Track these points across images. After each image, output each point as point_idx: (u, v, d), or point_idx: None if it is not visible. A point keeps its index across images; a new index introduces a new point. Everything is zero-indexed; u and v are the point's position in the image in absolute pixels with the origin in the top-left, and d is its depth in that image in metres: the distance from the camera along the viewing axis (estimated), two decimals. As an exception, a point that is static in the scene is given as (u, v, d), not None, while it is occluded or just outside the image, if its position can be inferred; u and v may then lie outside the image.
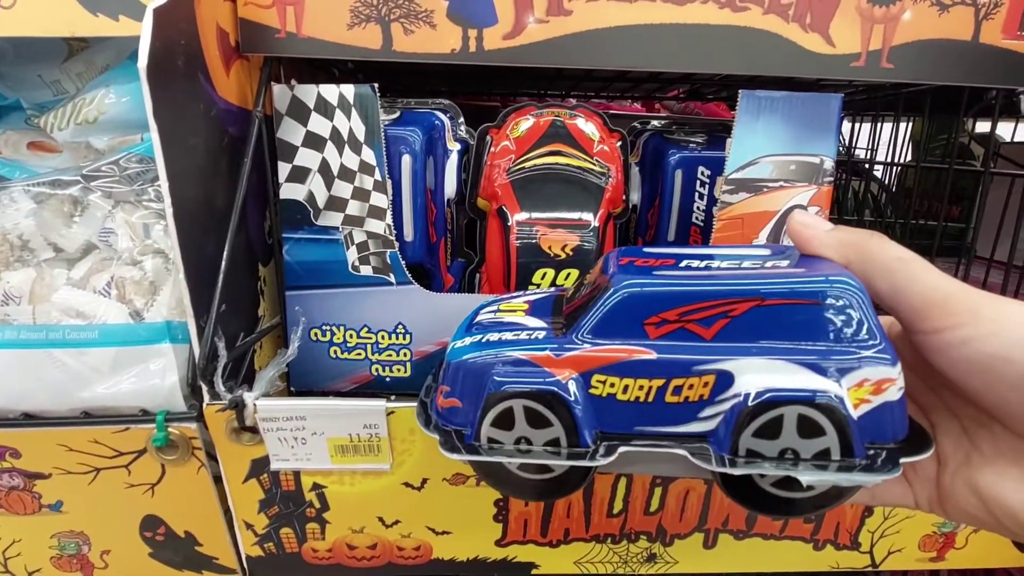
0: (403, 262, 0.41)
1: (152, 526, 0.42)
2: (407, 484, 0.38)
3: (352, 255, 0.41)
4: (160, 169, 0.32)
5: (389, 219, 0.40)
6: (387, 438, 0.36)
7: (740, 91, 0.38)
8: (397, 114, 0.45)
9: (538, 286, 0.42)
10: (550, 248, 0.42)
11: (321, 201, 0.40)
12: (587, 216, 0.43)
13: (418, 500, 0.39)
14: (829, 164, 0.39)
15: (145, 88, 0.31)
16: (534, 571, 0.42)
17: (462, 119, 0.50)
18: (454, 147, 0.48)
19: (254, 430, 0.36)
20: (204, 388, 0.36)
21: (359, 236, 0.41)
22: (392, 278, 0.41)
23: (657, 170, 0.47)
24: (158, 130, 0.32)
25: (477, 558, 0.41)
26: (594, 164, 0.45)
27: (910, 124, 0.96)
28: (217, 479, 0.39)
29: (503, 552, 0.41)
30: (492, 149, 0.46)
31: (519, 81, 0.68)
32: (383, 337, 0.42)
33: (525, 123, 0.47)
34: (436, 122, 0.46)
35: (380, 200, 0.40)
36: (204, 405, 0.35)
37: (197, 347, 0.36)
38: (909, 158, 0.91)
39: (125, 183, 0.38)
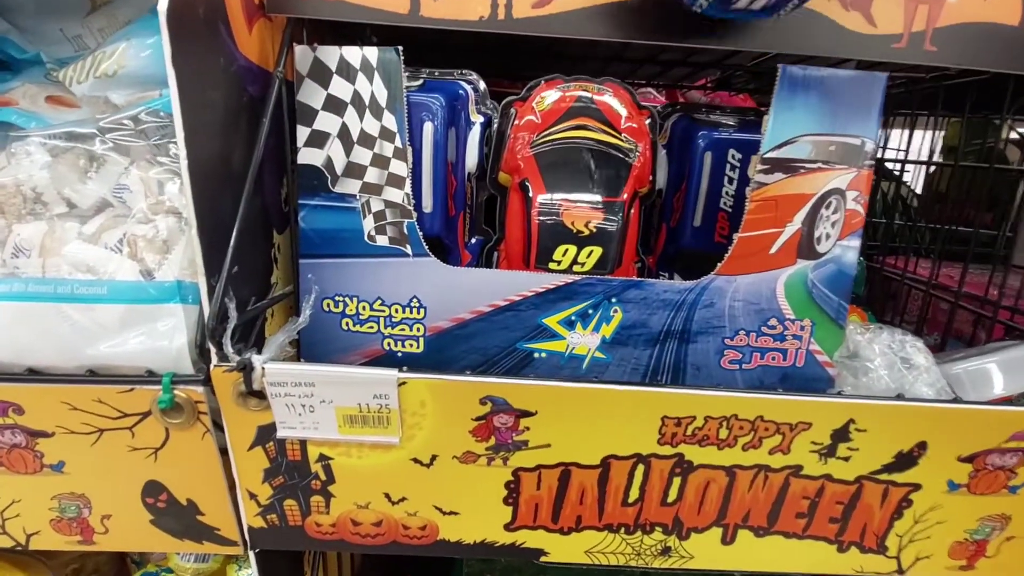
0: (420, 232, 0.40)
1: (154, 492, 0.41)
2: (416, 460, 0.37)
3: (369, 224, 0.40)
4: (176, 119, 0.31)
5: (408, 188, 0.39)
6: (397, 410, 0.34)
7: (779, 65, 0.36)
8: (420, 81, 0.44)
9: (559, 263, 0.41)
10: (573, 224, 0.40)
11: (339, 167, 0.39)
12: (612, 192, 0.42)
13: (426, 477, 0.37)
14: (870, 146, 0.38)
15: (164, 33, 0.30)
16: (543, 558, 0.41)
17: (486, 89, 0.48)
18: (477, 119, 0.46)
19: (261, 395, 0.34)
20: (212, 350, 0.35)
21: (376, 204, 0.39)
22: (409, 249, 0.40)
23: (685, 152, 0.45)
24: (176, 78, 0.31)
25: (484, 541, 0.40)
26: (622, 140, 0.44)
27: (941, 131, 0.93)
28: (222, 448, 0.38)
29: (511, 537, 0.40)
30: (516, 122, 0.45)
31: (545, 61, 0.67)
32: (396, 311, 0.41)
33: (551, 96, 0.45)
34: (460, 91, 0.45)
35: (400, 168, 0.39)
36: (211, 367, 0.34)
37: (208, 306, 0.35)
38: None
39: (141, 138, 0.37)
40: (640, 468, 0.37)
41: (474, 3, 0.40)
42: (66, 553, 0.57)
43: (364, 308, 0.41)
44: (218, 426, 0.37)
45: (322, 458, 0.37)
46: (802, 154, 0.37)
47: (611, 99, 0.45)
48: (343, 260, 0.40)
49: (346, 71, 0.38)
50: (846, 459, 0.37)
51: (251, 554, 0.42)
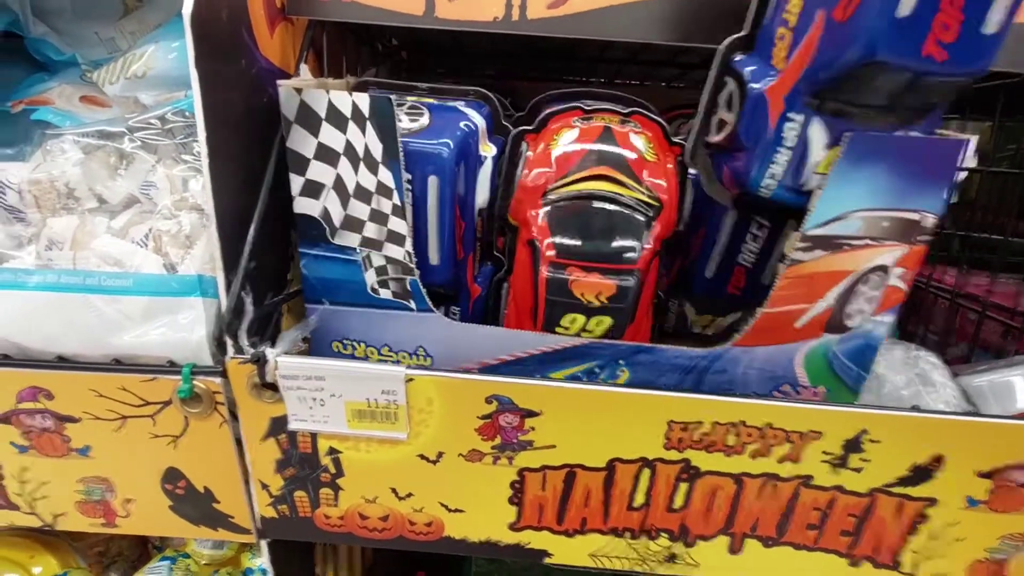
0: (424, 290, 0.38)
1: (173, 479, 0.42)
2: (423, 456, 0.37)
3: (371, 277, 0.38)
4: (198, 118, 0.32)
5: (409, 246, 0.37)
6: (405, 406, 0.35)
7: (847, 134, 0.30)
8: (424, 119, 0.39)
9: (566, 328, 0.38)
10: (583, 295, 0.37)
11: (337, 219, 0.37)
12: (628, 257, 0.37)
13: (433, 474, 0.38)
14: (931, 221, 0.32)
15: (188, 36, 0.31)
16: (547, 559, 0.41)
17: (499, 109, 0.43)
18: (488, 152, 0.41)
19: (274, 387, 0.35)
20: (229, 343, 0.36)
21: (378, 259, 0.37)
22: (412, 304, 0.38)
23: (706, 199, 0.39)
24: (199, 80, 0.32)
25: (489, 540, 0.40)
26: (644, 194, 0.38)
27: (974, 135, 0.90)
28: (238, 438, 0.39)
29: (516, 537, 0.40)
30: (528, 157, 0.39)
31: (562, 63, 0.67)
32: (404, 357, 0.40)
33: (568, 134, 0.39)
34: (469, 128, 0.40)
35: (399, 226, 0.36)
36: (227, 359, 0.35)
37: (225, 299, 0.36)
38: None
39: (168, 137, 0.39)
40: (646, 472, 0.37)
41: (488, 4, 0.41)
42: (92, 536, 0.59)
43: (372, 353, 0.41)
44: (235, 416, 0.38)
45: (332, 451, 0.38)
46: (850, 230, 0.32)
47: (636, 139, 0.39)
48: (348, 308, 0.39)
49: (336, 119, 0.35)
50: (858, 471, 0.36)
51: (263, 543, 0.43)
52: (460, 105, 0.42)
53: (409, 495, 0.39)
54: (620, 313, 0.37)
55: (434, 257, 0.40)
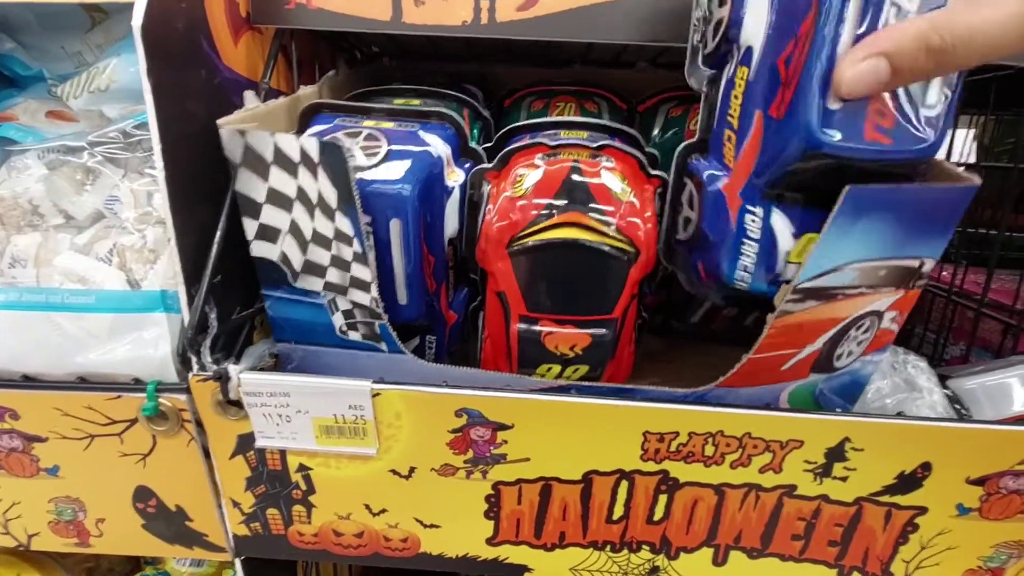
0: (394, 332, 0.35)
1: (144, 497, 0.41)
2: (394, 471, 0.36)
3: (339, 320, 0.36)
4: (153, 131, 0.32)
5: (375, 292, 0.34)
6: (373, 421, 0.34)
7: (846, 187, 0.27)
8: (382, 151, 0.35)
9: (542, 376, 0.37)
10: (556, 348, 0.36)
11: (297, 264, 0.34)
12: (604, 309, 0.35)
13: (406, 489, 0.37)
14: (929, 266, 0.31)
15: (139, 48, 0.30)
16: (527, 574, 0.40)
17: (464, 135, 0.40)
18: (455, 180, 0.38)
19: (240, 404, 0.34)
20: (193, 359, 0.35)
21: (344, 303, 0.35)
22: (383, 347, 0.36)
23: None
24: (152, 92, 0.31)
25: (467, 556, 0.39)
26: (617, 239, 0.34)
27: (971, 128, 0.88)
28: (208, 454, 0.39)
29: (494, 552, 0.39)
30: (490, 207, 0.36)
31: (538, 64, 0.66)
32: None
33: (532, 175, 0.36)
34: (431, 158, 0.36)
35: (362, 272, 0.33)
36: (190, 376, 0.34)
37: (188, 315, 0.35)
38: (972, 161, 0.83)
39: (131, 151, 0.38)
40: (624, 484, 0.36)
41: (457, 8, 0.40)
42: (79, 552, 0.58)
43: None
44: (203, 434, 0.38)
45: (302, 468, 0.37)
46: (845, 281, 0.30)
47: (608, 176, 0.35)
48: (318, 348, 0.37)
49: (284, 163, 0.32)
50: (843, 479, 0.35)
51: (237, 562, 0.42)
52: (421, 132, 0.38)
53: (383, 511, 0.38)
54: (597, 361, 0.36)
55: (402, 297, 0.37)
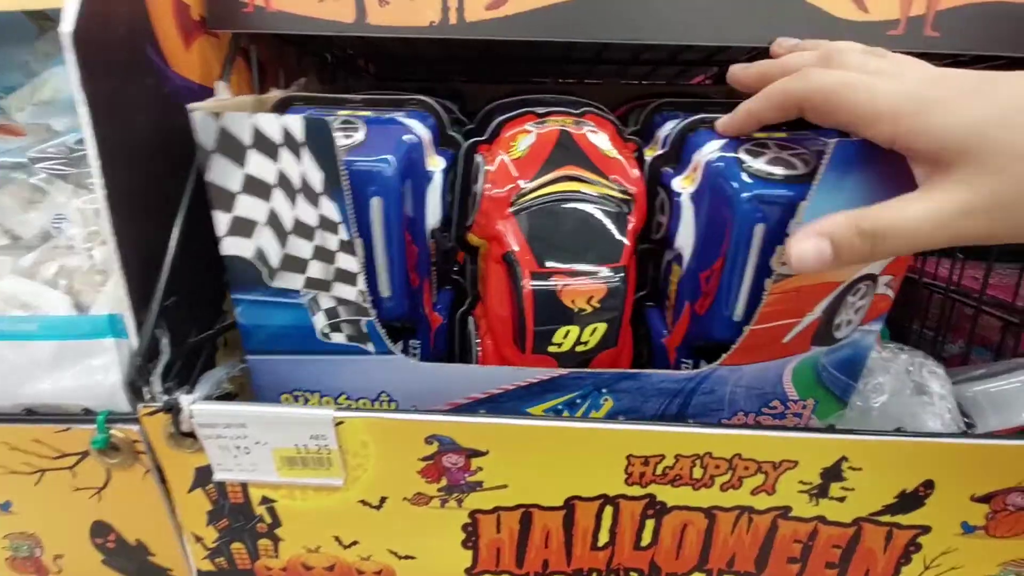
0: (382, 330, 0.33)
1: (102, 532, 0.39)
2: (364, 502, 0.34)
3: (320, 321, 0.33)
4: (89, 146, 0.29)
5: (362, 284, 0.32)
6: (338, 451, 0.32)
7: (834, 140, 0.28)
8: (361, 134, 0.34)
9: (559, 345, 0.34)
10: (573, 303, 0.34)
11: (275, 260, 0.32)
12: (612, 257, 0.34)
13: (377, 520, 0.35)
14: None
15: (70, 57, 0.28)
16: (509, 605, 0.37)
17: (445, 119, 0.40)
18: (437, 167, 0.37)
19: (195, 435, 0.32)
20: (145, 388, 0.33)
21: (327, 301, 0.33)
22: (370, 347, 0.34)
23: (723, 214, 0.33)
24: (87, 102, 0.29)
25: (446, 587, 0.37)
26: (613, 189, 0.36)
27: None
28: (166, 487, 0.36)
29: (475, 582, 0.37)
30: (487, 170, 0.36)
31: (519, 67, 0.64)
32: (364, 404, 0.36)
33: (525, 139, 0.37)
34: (412, 140, 0.35)
35: (349, 263, 0.32)
36: (139, 407, 0.32)
37: (136, 340, 0.33)
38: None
39: (73, 165, 0.36)
40: (608, 509, 0.34)
41: (423, 8, 0.38)
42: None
43: (328, 403, 0.36)
44: (159, 466, 0.35)
45: (265, 500, 0.35)
46: None
47: (594, 136, 0.37)
48: (296, 357, 0.34)
49: (265, 146, 0.30)
50: (841, 499, 0.33)
51: (203, 598, 0.40)
52: (400, 116, 0.38)
53: (355, 543, 0.36)
54: (613, 317, 0.34)
55: (385, 289, 0.35)
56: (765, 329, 0.32)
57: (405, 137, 0.35)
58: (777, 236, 0.31)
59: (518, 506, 0.34)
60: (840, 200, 0.28)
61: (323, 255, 0.32)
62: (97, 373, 0.34)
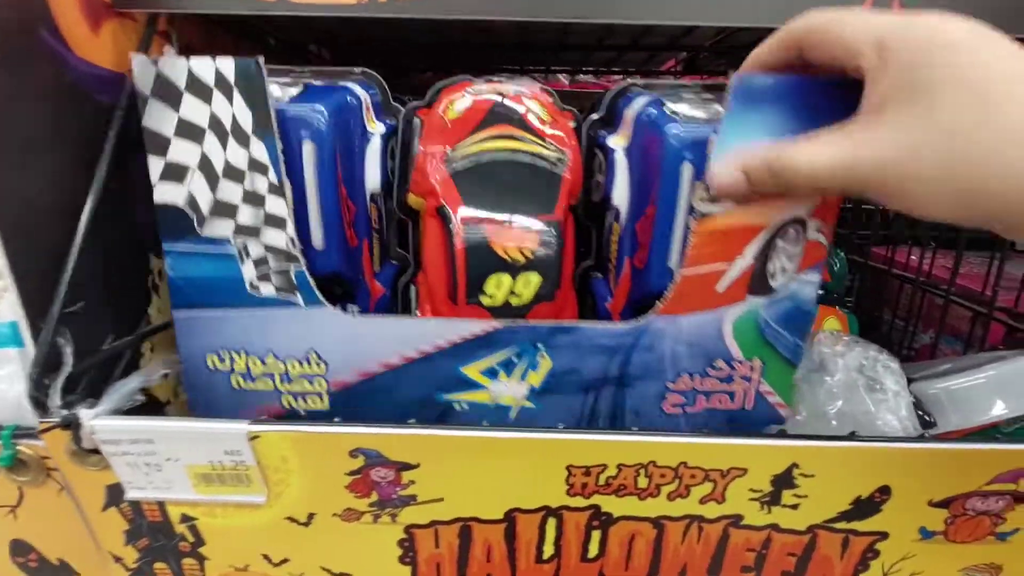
0: (311, 279, 0.33)
1: (22, 551, 0.37)
2: (291, 519, 0.32)
3: (249, 272, 0.33)
4: (-34, 139, 0.27)
5: (291, 230, 0.32)
6: (256, 467, 0.30)
7: (732, 75, 0.28)
8: (300, 88, 0.37)
9: (492, 296, 0.34)
10: (505, 252, 0.34)
11: (205, 206, 0.32)
12: (545, 210, 0.35)
13: (307, 537, 0.33)
14: None
15: (-63, 38, 0.25)
16: (454, 621, 0.36)
17: (385, 93, 0.41)
18: (376, 129, 0.39)
19: (100, 452, 0.30)
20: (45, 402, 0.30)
21: (256, 250, 0.32)
22: (299, 298, 0.33)
23: (652, 157, 0.34)
24: (-39, 91, 0.26)
25: (386, 604, 0.35)
26: (548, 148, 0.37)
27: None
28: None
29: (416, 598, 0.35)
30: (423, 134, 0.38)
31: (476, 54, 0.61)
32: (293, 366, 0.34)
33: (461, 101, 0.38)
34: (349, 98, 0.37)
35: (278, 206, 0.32)
36: (39, 422, 0.30)
37: (33, 351, 0.30)
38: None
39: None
40: (552, 521, 0.32)
41: (351, -14, 0.35)
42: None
43: (255, 364, 0.34)
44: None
45: (185, 519, 0.32)
46: None
47: (530, 101, 0.39)
48: (224, 312, 0.33)
49: (198, 89, 0.30)
50: (794, 507, 0.31)
51: (129, 620, 0.37)
52: (342, 82, 0.38)
53: (285, 561, 0.34)
54: (547, 267, 0.34)
55: (318, 240, 0.35)
56: (697, 275, 0.31)
57: (344, 95, 0.36)
58: (701, 175, 0.30)
59: (456, 520, 0.32)
60: (748, 133, 0.28)
61: (253, 199, 0.32)
62: (1, 384, 0.32)
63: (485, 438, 0.29)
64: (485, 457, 0.29)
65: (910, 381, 0.39)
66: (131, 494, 0.31)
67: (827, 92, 0.27)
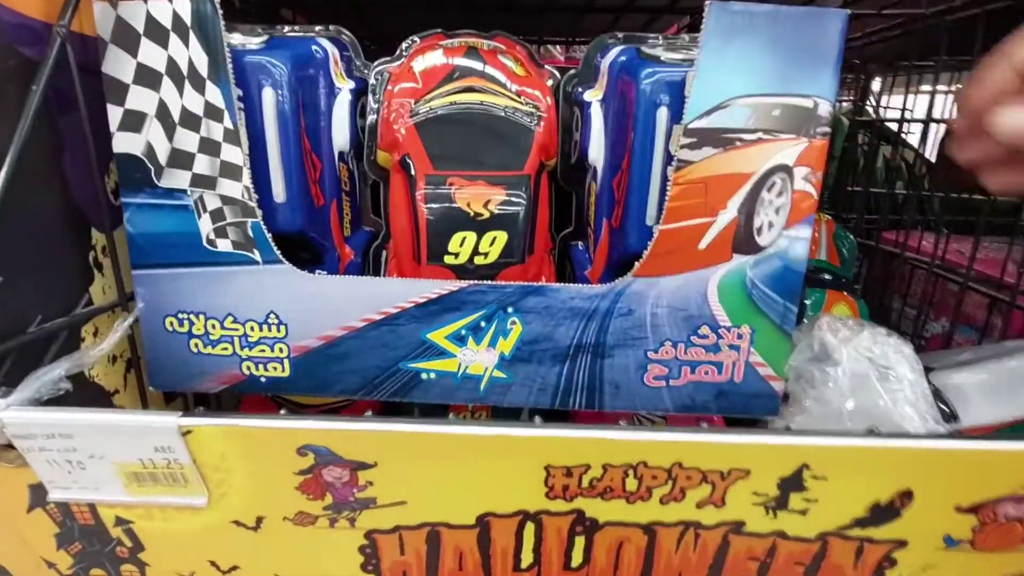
0: (269, 234, 0.31)
1: (-50, 557, 0.33)
2: (238, 523, 0.28)
3: (206, 225, 0.31)
4: None
5: (247, 179, 0.31)
6: (191, 465, 0.26)
7: (707, 2, 0.27)
8: (263, 38, 0.35)
9: (455, 255, 0.33)
10: (468, 206, 0.32)
11: (163, 156, 0.30)
12: (514, 165, 0.33)
13: (257, 542, 0.29)
14: (825, 108, 0.28)
15: None
16: (424, 633, 0.32)
17: (357, 49, 0.39)
18: (345, 84, 0.37)
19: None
20: (-45, 391, 0.26)
21: (212, 201, 0.31)
22: (257, 255, 0.31)
23: (626, 107, 0.32)
24: None
25: (349, 614, 0.32)
26: (520, 103, 0.35)
27: (955, 83, 0.81)
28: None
29: (382, 608, 0.32)
30: (390, 87, 0.36)
31: (462, 16, 0.57)
32: (252, 328, 0.33)
33: (432, 53, 0.36)
34: (315, 48, 0.36)
35: (233, 154, 0.30)
36: (-56, 415, 0.26)
37: (-61, 335, 0.27)
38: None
39: None
40: (529, 527, 0.28)
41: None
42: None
43: (214, 327, 0.33)
44: None
45: (120, 521, 0.29)
46: (737, 121, 0.28)
47: (503, 56, 0.37)
48: (181, 270, 0.32)
49: (156, 32, 0.29)
50: (803, 512, 0.27)
51: (67, 630, 0.34)
52: (309, 35, 0.37)
53: (234, 568, 0.30)
54: (514, 224, 0.32)
55: (279, 193, 0.34)
56: (677, 230, 0.30)
57: (310, 46, 0.35)
58: (679, 121, 0.29)
59: (423, 524, 0.28)
60: (727, 67, 0.27)
61: (209, 148, 0.30)
62: (-91, 372, 0.28)
63: (449, 435, 0.25)
64: (451, 456, 0.26)
65: (927, 370, 0.36)
66: (54, 495, 0.27)
67: (805, 22, 0.27)
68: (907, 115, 0.68)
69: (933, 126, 0.60)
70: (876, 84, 0.85)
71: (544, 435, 0.25)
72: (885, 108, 0.84)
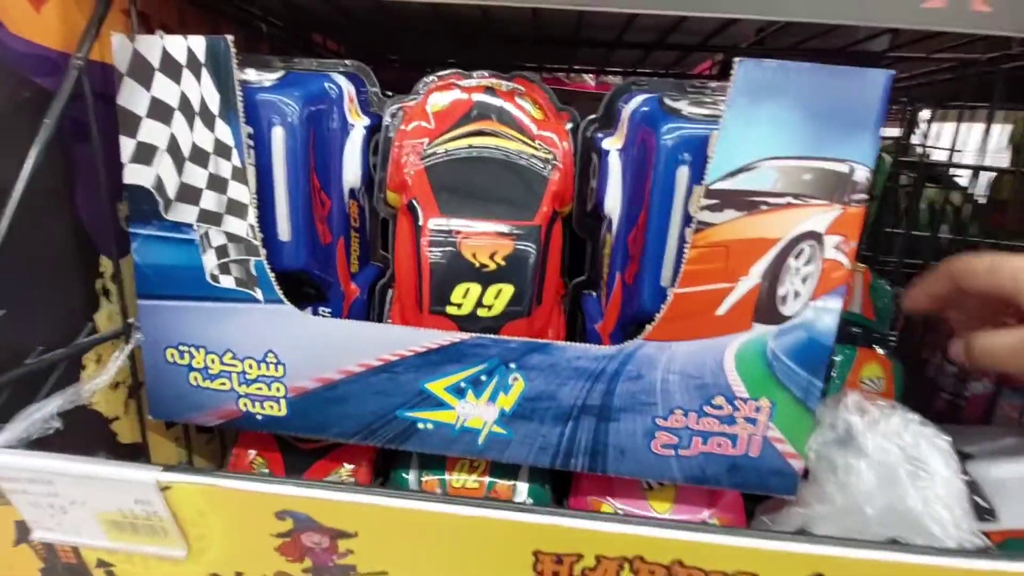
0: (271, 273, 0.31)
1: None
2: (217, 576, 0.28)
3: (210, 261, 0.31)
4: None
5: (252, 218, 0.30)
6: (171, 519, 0.25)
7: (737, 60, 0.25)
8: (279, 74, 0.34)
9: (458, 305, 0.31)
10: (474, 256, 0.31)
11: (171, 189, 0.31)
12: (524, 214, 0.32)
13: (236, 597, 0.28)
14: (862, 175, 0.26)
15: None
16: None
17: (374, 87, 0.38)
18: (358, 121, 0.36)
19: (1, 488, 0.26)
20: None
21: (217, 238, 0.31)
22: (259, 293, 0.31)
23: (645, 161, 0.31)
24: None
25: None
26: (535, 148, 0.34)
27: (1006, 126, 0.76)
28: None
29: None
30: (403, 127, 0.35)
31: (506, 52, 0.56)
32: (251, 366, 0.32)
33: (448, 93, 0.35)
34: (329, 86, 0.35)
35: (240, 192, 0.30)
36: (-67, 450, 0.26)
37: (-66, 369, 0.27)
38: (1007, 165, 0.71)
39: None
40: None
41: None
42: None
43: (213, 361, 0.32)
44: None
45: (102, 564, 0.28)
46: (764, 184, 0.26)
47: (521, 99, 0.35)
48: (184, 303, 0.32)
49: (170, 68, 0.29)
50: (815, 620, 0.25)
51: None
52: (327, 72, 0.36)
53: (215, 618, 0.30)
54: (522, 278, 0.31)
55: (284, 232, 0.34)
56: (694, 294, 0.28)
57: (324, 83, 0.34)
58: (700, 180, 0.27)
59: (404, 595, 0.27)
60: (755, 127, 0.26)
61: (217, 184, 0.30)
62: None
63: (431, 512, 0.24)
64: (433, 533, 0.24)
65: (963, 456, 0.33)
66: (38, 534, 0.27)
67: (845, 80, 0.25)
68: (956, 152, 0.64)
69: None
70: (924, 113, 0.81)
71: (533, 520, 0.24)
72: (932, 148, 0.79)
